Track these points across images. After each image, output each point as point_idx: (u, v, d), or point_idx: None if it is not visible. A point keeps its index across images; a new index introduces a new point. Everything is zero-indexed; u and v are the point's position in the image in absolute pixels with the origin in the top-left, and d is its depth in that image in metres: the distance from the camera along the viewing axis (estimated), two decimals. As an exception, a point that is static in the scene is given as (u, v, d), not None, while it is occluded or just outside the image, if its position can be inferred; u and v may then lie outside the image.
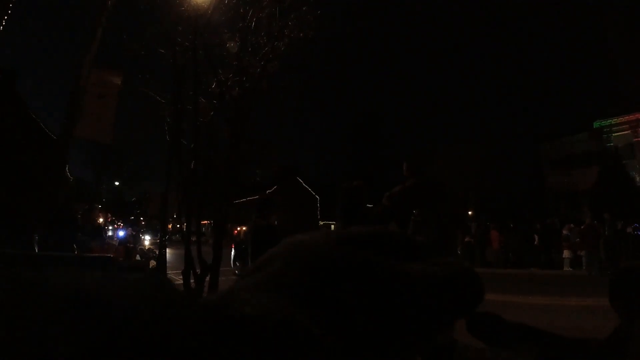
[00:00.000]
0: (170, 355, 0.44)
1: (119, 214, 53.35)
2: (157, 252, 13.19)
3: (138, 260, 11.89)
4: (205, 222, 37.06)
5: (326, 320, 0.58)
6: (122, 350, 0.43)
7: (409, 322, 0.66)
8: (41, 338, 0.41)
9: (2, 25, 8.25)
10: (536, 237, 18.56)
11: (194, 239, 7.10)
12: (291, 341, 0.54)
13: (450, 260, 0.82)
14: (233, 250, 14.66)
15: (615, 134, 30.85)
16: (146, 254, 14.81)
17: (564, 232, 17.35)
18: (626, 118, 30.14)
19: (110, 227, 39.84)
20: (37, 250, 7.11)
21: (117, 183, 50.56)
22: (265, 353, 0.51)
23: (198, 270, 6.70)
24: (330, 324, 0.59)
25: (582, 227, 16.35)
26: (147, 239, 25.92)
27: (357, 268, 0.64)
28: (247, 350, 0.51)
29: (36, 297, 0.45)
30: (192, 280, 6.77)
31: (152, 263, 10.64)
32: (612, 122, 31.10)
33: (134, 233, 22.66)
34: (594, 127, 32.19)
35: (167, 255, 10.83)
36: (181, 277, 7.01)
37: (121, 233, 20.55)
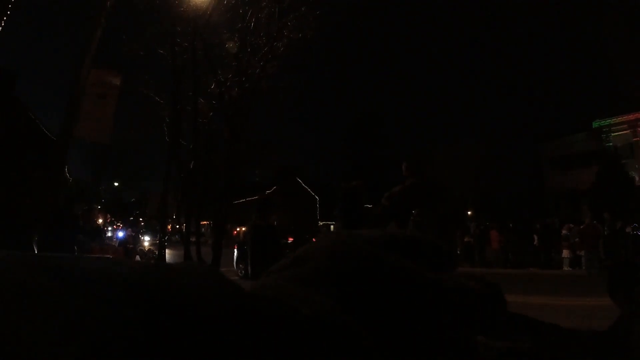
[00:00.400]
0: (244, 347, 0.46)
1: (118, 215, 53.34)
2: (156, 253, 13.19)
3: (137, 261, 11.89)
4: (205, 222, 37.06)
5: (369, 322, 0.60)
6: (200, 342, 0.44)
7: (442, 330, 0.67)
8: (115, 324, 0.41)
9: (1, 25, 8.24)
10: (535, 237, 18.55)
11: (193, 239, 7.10)
12: (344, 343, 0.56)
13: (477, 275, 0.83)
14: (236, 251, 14.66)
15: (615, 133, 30.83)
16: (146, 254, 14.82)
17: (564, 231, 17.33)
18: (625, 118, 30.12)
19: (109, 228, 39.83)
20: (36, 251, 7.09)
21: (116, 184, 50.56)
22: (322, 352, 0.53)
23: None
24: (372, 325, 0.60)
25: (581, 226, 16.34)
26: (146, 240, 25.88)
27: (401, 275, 0.65)
28: (308, 348, 0.52)
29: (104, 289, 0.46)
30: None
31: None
32: (611, 122, 31.08)
33: (133, 234, 22.65)
34: (593, 126, 32.17)
35: (167, 255, 10.82)
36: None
37: (120, 234, 20.58)
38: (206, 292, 0.52)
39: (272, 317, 0.55)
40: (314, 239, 13.64)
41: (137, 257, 13.97)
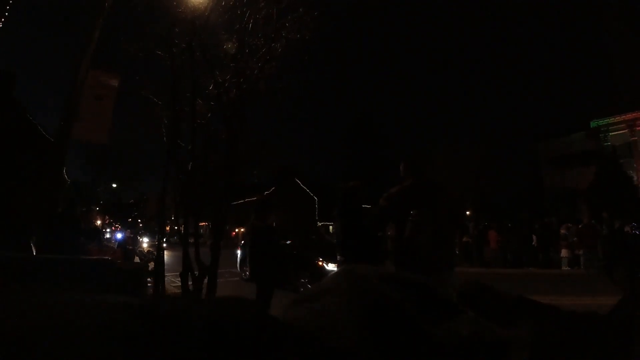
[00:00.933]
0: None
1: (117, 216, 53.26)
2: (155, 254, 13.18)
3: (137, 262, 11.87)
4: (204, 223, 37.03)
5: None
6: None
7: None
8: None
9: (-2, 26, 8.23)
10: (534, 236, 18.58)
11: (192, 240, 7.10)
12: None
13: (479, 321, 0.84)
14: (239, 253, 14.65)
15: (613, 133, 30.88)
16: (146, 256, 14.79)
17: (562, 231, 17.37)
18: (623, 117, 30.17)
19: (107, 229, 39.76)
20: (34, 252, 7.08)
21: (114, 185, 50.47)
22: None
23: (196, 272, 6.68)
24: None
25: (580, 226, 16.37)
26: (145, 241, 25.86)
27: (407, 324, 0.67)
28: None
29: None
30: (190, 283, 6.76)
31: (151, 265, 10.64)
32: (609, 122, 31.13)
33: (131, 235, 22.63)
34: (591, 126, 32.22)
35: (165, 257, 10.82)
36: (179, 279, 7.00)
37: (119, 235, 20.54)
38: (254, 326, 0.62)
39: (306, 348, 0.63)
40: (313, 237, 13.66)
41: (137, 259, 13.96)
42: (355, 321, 0.68)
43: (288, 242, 13.14)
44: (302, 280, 10.31)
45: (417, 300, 0.75)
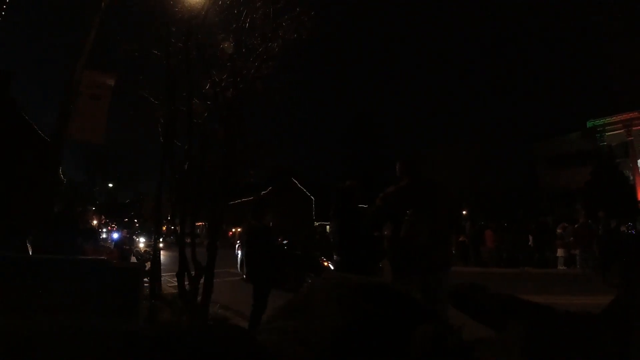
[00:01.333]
0: None
1: (113, 216, 53.14)
2: (152, 254, 13.16)
3: (133, 262, 11.85)
4: (200, 223, 36.96)
5: None
6: None
7: None
8: None
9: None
10: (530, 236, 18.62)
11: (188, 240, 7.08)
12: None
13: (447, 326, 0.85)
14: (240, 253, 14.62)
15: (609, 133, 30.98)
16: (142, 256, 14.77)
17: (558, 230, 17.41)
18: (619, 117, 30.26)
19: (104, 229, 39.64)
20: (30, 252, 7.06)
21: (110, 185, 50.36)
22: None
23: (192, 273, 6.67)
24: None
25: (576, 225, 16.41)
26: (142, 241, 25.77)
27: (379, 338, 0.68)
28: None
29: None
30: (186, 283, 6.74)
31: (148, 265, 10.62)
32: (606, 122, 31.23)
33: (127, 235, 22.59)
34: (588, 126, 32.31)
35: (162, 257, 10.81)
36: (175, 279, 6.98)
37: (115, 235, 20.49)
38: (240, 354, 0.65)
39: None
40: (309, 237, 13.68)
41: (134, 259, 13.95)
42: (326, 340, 0.69)
43: (285, 241, 13.13)
44: (309, 281, 10.32)
45: (391, 308, 0.75)
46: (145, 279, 7.96)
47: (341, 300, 0.76)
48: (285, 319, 0.75)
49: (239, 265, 14.26)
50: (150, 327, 0.66)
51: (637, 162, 29.25)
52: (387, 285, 0.78)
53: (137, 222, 51.24)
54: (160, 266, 9.84)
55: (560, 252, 16.96)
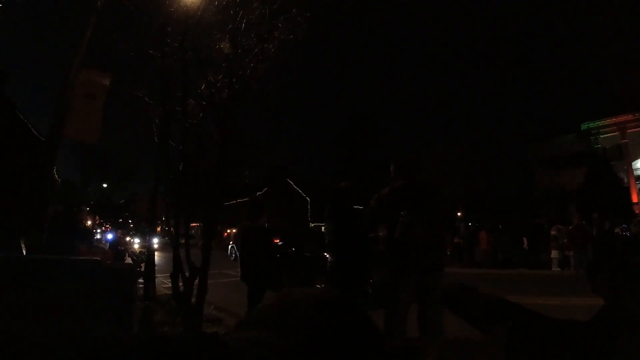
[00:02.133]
0: None
1: (107, 217, 52.95)
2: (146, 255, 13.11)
3: (128, 263, 11.81)
4: (195, 224, 36.89)
5: None
6: None
7: None
8: None
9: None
10: (525, 238, 18.68)
11: (182, 241, 7.06)
12: None
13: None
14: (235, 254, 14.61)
15: (603, 135, 31.12)
16: (138, 256, 14.71)
17: (553, 232, 17.46)
18: (614, 120, 30.41)
19: (98, 230, 39.47)
20: (24, 252, 7.02)
21: (105, 185, 50.21)
22: None
23: (187, 274, 6.65)
24: None
25: (570, 227, 16.47)
26: (137, 242, 25.70)
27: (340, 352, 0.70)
28: None
29: None
30: (180, 284, 6.71)
31: (143, 266, 10.58)
32: (600, 124, 31.38)
33: (121, 236, 22.50)
34: (582, 128, 32.45)
35: (156, 258, 10.77)
36: (169, 280, 6.96)
37: (109, 236, 20.40)
38: None
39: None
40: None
41: (129, 259, 13.89)
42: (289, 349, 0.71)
43: (280, 242, 13.11)
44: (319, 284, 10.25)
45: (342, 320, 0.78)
46: (140, 280, 7.94)
47: (297, 312, 0.78)
48: (251, 329, 0.76)
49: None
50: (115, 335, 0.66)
51: (631, 165, 29.40)
52: (340, 298, 0.80)
53: (131, 223, 51.12)
54: (154, 267, 9.81)
55: (554, 254, 17.02)
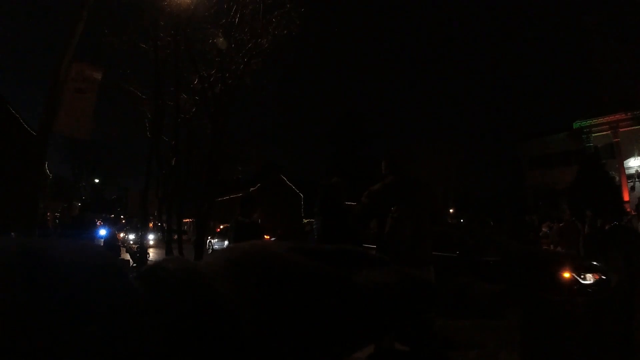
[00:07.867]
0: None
1: (99, 212, 52.58)
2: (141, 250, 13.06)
3: (122, 259, 11.77)
4: (188, 220, 36.77)
5: (272, 321, 0.65)
6: None
7: (349, 325, 0.72)
8: None
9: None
10: (516, 234, 18.72)
11: (175, 237, 7.06)
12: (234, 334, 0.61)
13: (401, 270, 0.87)
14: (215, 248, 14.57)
15: (595, 134, 31.26)
16: (135, 252, 14.66)
17: (543, 229, 17.54)
18: (606, 119, 30.53)
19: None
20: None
21: (96, 180, 49.91)
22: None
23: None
24: (277, 324, 0.65)
25: (560, 224, 16.55)
26: (132, 238, 25.54)
27: (306, 276, 0.70)
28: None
29: None
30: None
31: (132, 262, 10.55)
32: (592, 123, 31.51)
33: (116, 231, 22.34)
34: (574, 127, 32.57)
35: (151, 255, 10.74)
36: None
37: (102, 232, 20.26)
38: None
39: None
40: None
41: (127, 256, 13.81)
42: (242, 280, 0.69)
43: (272, 238, 13.11)
44: None
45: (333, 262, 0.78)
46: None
47: (286, 257, 0.79)
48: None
49: None
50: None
51: (623, 164, 29.58)
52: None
53: (123, 219, 50.86)
54: (148, 262, 9.80)
55: (545, 251, 17.09)
